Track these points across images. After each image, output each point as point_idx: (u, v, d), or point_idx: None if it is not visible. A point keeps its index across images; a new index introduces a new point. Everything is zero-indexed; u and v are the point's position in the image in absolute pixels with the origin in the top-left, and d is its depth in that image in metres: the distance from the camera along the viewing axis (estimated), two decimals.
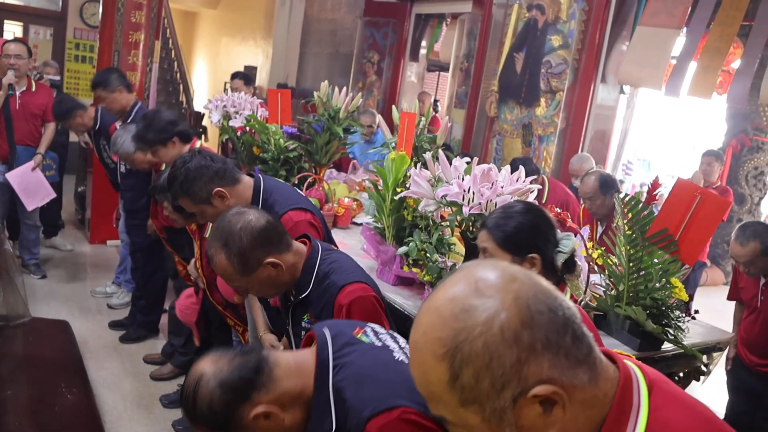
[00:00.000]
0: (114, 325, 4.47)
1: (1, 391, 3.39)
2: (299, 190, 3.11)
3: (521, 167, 2.28)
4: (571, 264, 1.83)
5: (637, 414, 0.84)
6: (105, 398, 3.59)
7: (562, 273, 1.82)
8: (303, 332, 1.82)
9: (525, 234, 1.77)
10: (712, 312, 3.43)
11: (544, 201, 4.30)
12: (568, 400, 0.79)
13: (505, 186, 2.18)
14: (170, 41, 11.61)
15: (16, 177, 4.77)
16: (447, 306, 0.81)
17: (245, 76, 6.05)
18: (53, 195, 5.03)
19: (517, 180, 2.22)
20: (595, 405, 0.83)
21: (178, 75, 11.56)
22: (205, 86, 13.01)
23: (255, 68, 10.58)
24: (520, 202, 1.93)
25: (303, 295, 1.84)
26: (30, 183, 4.83)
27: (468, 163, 2.33)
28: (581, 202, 3.92)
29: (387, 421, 1.22)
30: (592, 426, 0.84)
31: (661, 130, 9.04)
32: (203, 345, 3.44)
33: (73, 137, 6.17)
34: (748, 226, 3.00)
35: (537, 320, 0.78)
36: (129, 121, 4.19)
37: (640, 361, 0.94)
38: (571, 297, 2.33)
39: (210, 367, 1.29)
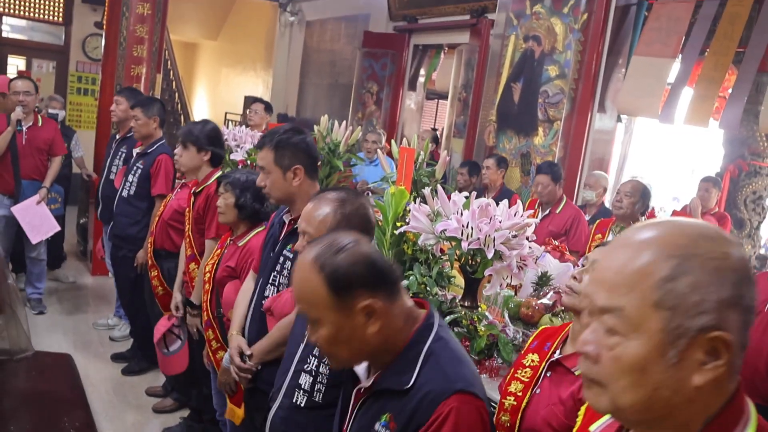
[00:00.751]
0: (116, 357, 4.48)
1: (4, 426, 3.40)
2: None
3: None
4: None
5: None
6: (107, 431, 3.59)
7: None
8: None
9: None
10: None
11: (558, 211, 4.49)
12: (728, 363, 0.82)
13: (503, 221, 2.21)
14: (171, 73, 11.73)
15: (20, 210, 4.82)
16: (695, 227, 0.86)
17: (267, 103, 6.07)
18: (57, 228, 5.07)
19: (515, 214, 2.26)
20: (723, 395, 0.86)
21: (179, 106, 11.67)
22: (206, 117, 13.12)
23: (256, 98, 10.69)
24: None
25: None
26: (35, 216, 4.87)
27: (466, 197, 2.37)
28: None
29: (470, 403, 1.34)
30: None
31: (659, 155, 9.10)
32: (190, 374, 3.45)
33: (75, 169, 6.25)
34: None
35: (751, 285, 0.84)
36: (149, 152, 4.25)
37: None
38: None
39: (365, 239, 1.45)
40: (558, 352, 1.77)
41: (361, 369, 1.51)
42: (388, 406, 1.40)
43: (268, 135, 2.40)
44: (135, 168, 4.26)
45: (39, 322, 4.91)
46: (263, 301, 2.32)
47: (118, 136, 4.87)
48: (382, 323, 1.37)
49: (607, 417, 1.02)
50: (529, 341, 1.90)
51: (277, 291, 2.31)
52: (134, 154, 4.37)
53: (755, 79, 4.76)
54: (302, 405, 1.83)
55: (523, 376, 1.80)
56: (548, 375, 1.74)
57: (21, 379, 3.99)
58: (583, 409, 1.13)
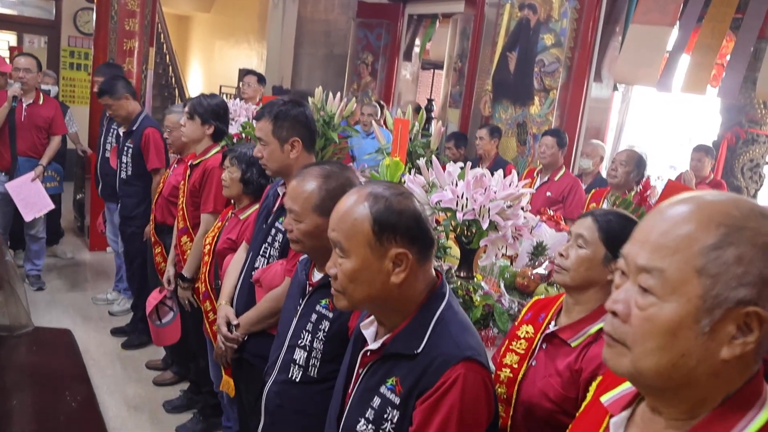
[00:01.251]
0: (116, 332, 4.51)
1: (7, 401, 3.43)
2: None
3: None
4: None
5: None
6: (109, 405, 3.62)
7: None
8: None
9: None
10: None
11: (557, 179, 4.53)
12: (758, 341, 0.82)
13: (498, 191, 2.21)
14: (164, 46, 11.63)
15: (15, 187, 4.81)
16: (750, 203, 0.86)
17: (259, 75, 6.06)
18: (51, 206, 5.07)
19: (509, 185, 2.26)
20: (744, 375, 0.86)
21: (173, 80, 11.59)
22: (200, 90, 13.04)
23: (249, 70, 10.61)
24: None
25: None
26: (29, 194, 4.86)
27: (461, 168, 2.37)
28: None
29: (476, 372, 1.36)
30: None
31: (656, 123, 9.07)
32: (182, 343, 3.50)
33: (70, 145, 6.21)
34: None
35: None
36: (134, 129, 4.24)
37: None
38: None
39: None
40: (553, 323, 1.78)
41: (369, 332, 1.52)
42: (395, 369, 1.41)
43: (267, 106, 2.39)
44: (126, 148, 4.26)
45: (38, 299, 4.93)
46: (253, 273, 2.34)
47: (108, 113, 4.84)
48: (406, 277, 1.39)
49: (618, 389, 1.02)
50: (523, 312, 1.91)
51: (267, 263, 2.32)
52: (121, 135, 4.37)
53: (753, 45, 4.72)
54: (297, 380, 1.83)
55: (518, 348, 1.81)
56: (544, 347, 1.75)
57: (21, 355, 4.02)
58: (594, 384, 1.13)
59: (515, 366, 1.77)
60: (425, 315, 1.42)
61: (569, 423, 1.58)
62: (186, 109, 3.40)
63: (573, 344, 1.66)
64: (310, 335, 1.82)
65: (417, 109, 6.32)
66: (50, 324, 4.50)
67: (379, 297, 1.42)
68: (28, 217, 4.93)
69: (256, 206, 2.89)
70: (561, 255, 1.79)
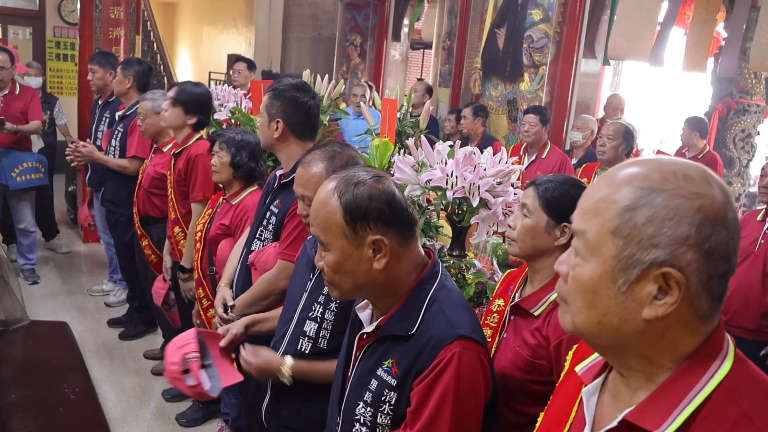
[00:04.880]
0: (113, 322, 4.50)
1: (6, 395, 3.43)
2: None
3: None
4: None
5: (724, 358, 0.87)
6: (108, 396, 3.63)
7: None
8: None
9: (568, 203, 1.70)
10: None
11: (544, 156, 4.52)
12: (686, 306, 0.83)
13: (487, 168, 2.20)
14: (151, 34, 11.53)
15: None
16: (676, 165, 0.86)
17: (249, 61, 6.04)
18: None
19: (499, 161, 2.25)
20: (697, 336, 0.86)
21: (162, 67, 11.50)
22: (189, 77, 12.95)
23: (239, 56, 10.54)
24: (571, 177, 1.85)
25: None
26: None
27: (451, 146, 2.36)
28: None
29: (472, 349, 1.36)
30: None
31: (647, 97, 9.05)
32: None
33: (60, 137, 6.17)
34: None
35: (722, 231, 0.82)
36: (128, 114, 4.20)
37: None
38: None
39: (390, 180, 1.44)
40: (518, 294, 1.79)
41: (364, 315, 1.53)
42: (391, 351, 1.42)
43: (276, 81, 2.48)
44: (116, 132, 4.23)
45: (34, 292, 4.92)
46: (248, 256, 2.35)
47: (100, 102, 4.81)
48: (388, 261, 1.39)
49: (590, 358, 1.03)
50: (497, 286, 1.93)
51: (263, 245, 2.33)
52: (116, 118, 4.33)
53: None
54: (306, 352, 1.84)
55: (491, 322, 1.83)
56: (512, 318, 1.77)
57: (19, 349, 4.02)
58: (570, 353, 1.14)
59: (489, 340, 1.79)
60: (418, 296, 1.42)
61: (541, 390, 1.61)
62: (170, 94, 3.37)
63: (536, 313, 1.69)
64: (321, 307, 1.83)
65: (428, 90, 6.29)
66: (46, 317, 4.49)
67: (366, 284, 1.42)
68: None
69: (248, 191, 2.89)
70: (509, 226, 1.81)
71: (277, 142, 2.36)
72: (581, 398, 1.00)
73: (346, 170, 1.46)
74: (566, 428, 1.02)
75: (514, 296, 1.80)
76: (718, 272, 0.83)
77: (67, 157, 4.18)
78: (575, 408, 1.02)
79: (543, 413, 1.12)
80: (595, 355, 1.02)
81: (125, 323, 4.46)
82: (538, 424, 1.11)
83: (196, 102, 3.35)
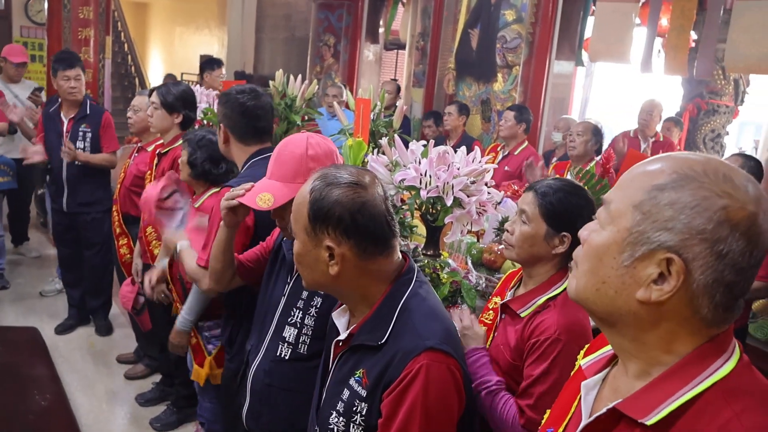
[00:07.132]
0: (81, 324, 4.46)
1: None
2: None
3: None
4: None
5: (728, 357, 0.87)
6: (80, 401, 3.57)
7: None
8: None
9: (569, 213, 1.70)
10: None
11: (517, 153, 4.58)
12: (684, 301, 0.83)
13: (461, 167, 2.20)
14: (122, 35, 11.39)
15: None
16: (724, 166, 0.85)
17: (217, 60, 6.09)
18: None
19: (473, 161, 2.25)
20: (698, 335, 0.86)
21: (133, 68, 11.37)
22: (161, 78, 12.81)
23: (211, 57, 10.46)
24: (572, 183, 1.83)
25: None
26: None
27: (424, 146, 2.36)
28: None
29: (440, 361, 1.32)
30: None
31: (620, 97, 9.16)
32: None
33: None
34: None
35: (741, 240, 0.81)
36: (88, 113, 4.13)
37: None
38: None
39: (375, 191, 1.38)
40: (510, 294, 1.80)
41: (341, 322, 1.50)
42: (362, 361, 1.40)
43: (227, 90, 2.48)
44: (82, 133, 4.12)
45: (2, 297, 4.82)
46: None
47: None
48: (341, 271, 1.36)
49: (597, 353, 1.04)
50: (498, 284, 1.94)
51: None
52: (68, 121, 4.15)
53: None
54: (286, 358, 1.80)
55: (486, 319, 1.86)
56: (503, 317, 1.78)
57: None
58: (582, 351, 1.14)
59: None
60: (389, 304, 1.40)
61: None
62: (152, 99, 3.32)
63: (522, 315, 1.70)
64: (300, 312, 1.79)
65: (398, 89, 6.31)
66: (16, 323, 4.41)
67: (324, 285, 1.43)
68: None
69: (209, 193, 2.77)
70: (507, 231, 1.81)
71: (224, 147, 2.42)
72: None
73: (338, 167, 1.44)
74: (565, 422, 1.03)
75: (507, 295, 1.81)
76: (725, 280, 0.82)
77: (62, 155, 4.08)
78: (575, 403, 1.02)
79: (549, 409, 1.13)
80: (601, 351, 1.03)
81: (96, 322, 4.43)
82: (544, 421, 1.12)
83: (179, 99, 3.31)
